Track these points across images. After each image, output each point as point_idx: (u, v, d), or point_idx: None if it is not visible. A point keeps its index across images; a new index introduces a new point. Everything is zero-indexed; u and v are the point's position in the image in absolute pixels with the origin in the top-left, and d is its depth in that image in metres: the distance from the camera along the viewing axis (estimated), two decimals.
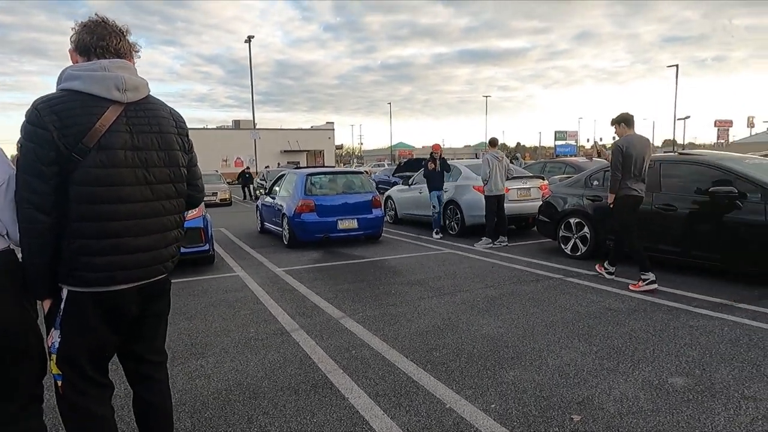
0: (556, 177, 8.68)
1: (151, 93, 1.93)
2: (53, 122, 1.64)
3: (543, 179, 9.35)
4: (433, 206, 9.58)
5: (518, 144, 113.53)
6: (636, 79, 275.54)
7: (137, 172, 1.79)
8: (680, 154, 6.46)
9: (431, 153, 9.54)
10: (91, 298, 1.76)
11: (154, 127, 1.86)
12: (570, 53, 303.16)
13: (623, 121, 5.64)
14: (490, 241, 8.39)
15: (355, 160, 78.81)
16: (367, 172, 16.21)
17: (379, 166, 41.71)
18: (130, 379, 2.08)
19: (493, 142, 9.05)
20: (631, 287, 5.35)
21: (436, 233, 9.54)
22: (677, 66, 42.77)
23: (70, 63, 1.84)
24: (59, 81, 1.76)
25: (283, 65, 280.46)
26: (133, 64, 1.90)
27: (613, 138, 5.86)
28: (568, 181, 7.49)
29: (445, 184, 10.29)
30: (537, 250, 7.61)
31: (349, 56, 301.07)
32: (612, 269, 5.90)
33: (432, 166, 9.39)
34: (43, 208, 1.67)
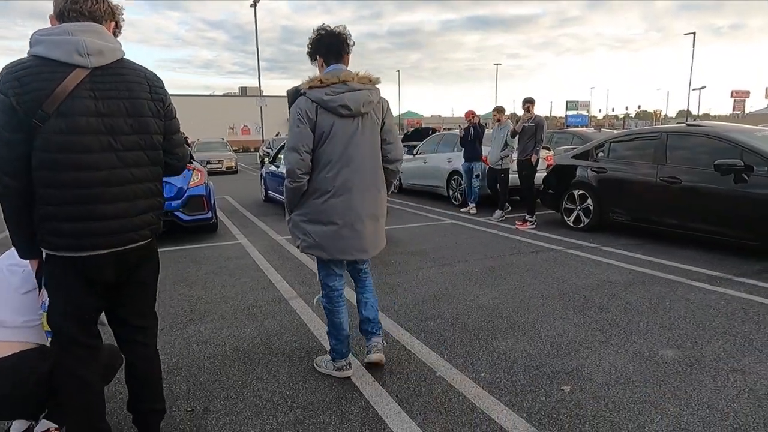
0: (561, 148, 8.55)
1: (125, 57, 1.88)
2: (14, 88, 1.65)
3: (549, 150, 9.22)
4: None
5: None
6: (650, 47, 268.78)
7: (101, 139, 1.76)
8: (688, 125, 6.33)
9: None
10: (65, 261, 1.79)
11: (123, 92, 1.81)
12: (582, 20, 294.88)
13: (532, 102, 7.48)
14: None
15: None
16: None
17: None
18: (117, 341, 2.12)
19: (502, 109, 8.52)
20: (518, 226, 7.35)
21: (471, 210, 8.79)
22: (694, 34, 41.53)
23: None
24: (30, 45, 1.74)
25: (289, 31, 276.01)
26: (113, 27, 1.87)
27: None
28: (573, 153, 7.39)
29: (449, 154, 10.21)
30: (540, 222, 7.58)
31: (355, 22, 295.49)
32: (533, 218, 7.42)
33: (461, 135, 8.93)
34: (9, 173, 1.69)
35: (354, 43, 2.72)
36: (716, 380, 2.78)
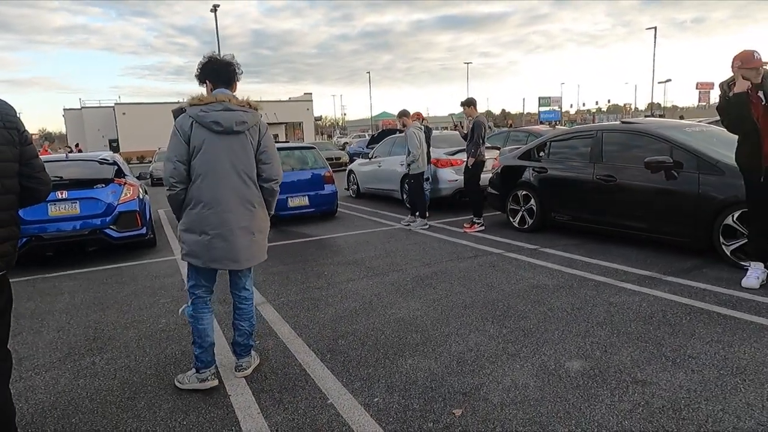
0: (505, 148, 8.46)
1: None
2: None
3: (498, 150, 9.13)
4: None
5: (503, 111, 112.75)
6: (617, 42, 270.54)
7: None
8: (623, 122, 6.30)
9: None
10: None
11: None
12: (551, 17, 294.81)
13: (473, 104, 7.35)
14: (426, 221, 7.80)
15: (338, 132, 77.56)
16: (347, 144, 15.59)
17: (360, 137, 41.16)
18: None
19: (406, 113, 7.92)
20: (465, 230, 7.17)
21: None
22: (655, 28, 42.35)
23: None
24: None
25: (260, 35, 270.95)
26: None
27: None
28: (516, 153, 7.31)
29: (402, 157, 10.04)
30: (489, 224, 7.49)
31: (326, 24, 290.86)
32: (480, 220, 7.25)
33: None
34: None
35: (242, 71, 2.97)
36: (615, 394, 2.67)
